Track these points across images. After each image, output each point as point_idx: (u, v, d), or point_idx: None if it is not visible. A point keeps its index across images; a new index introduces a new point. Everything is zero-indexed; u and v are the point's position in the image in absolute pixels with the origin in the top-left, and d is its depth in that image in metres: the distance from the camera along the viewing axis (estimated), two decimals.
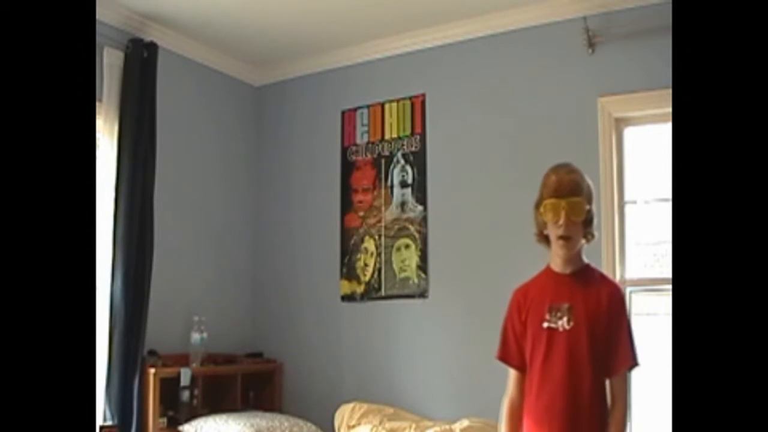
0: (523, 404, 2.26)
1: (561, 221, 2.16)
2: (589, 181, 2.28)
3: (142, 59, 3.86)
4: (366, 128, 4.37)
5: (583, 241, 2.24)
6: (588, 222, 2.22)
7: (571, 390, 2.13)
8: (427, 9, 3.88)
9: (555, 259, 2.26)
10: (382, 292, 4.17)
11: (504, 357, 2.33)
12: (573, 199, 2.16)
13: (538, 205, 2.24)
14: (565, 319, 2.16)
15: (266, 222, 4.70)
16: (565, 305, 2.18)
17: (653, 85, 3.35)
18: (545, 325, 2.19)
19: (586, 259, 2.31)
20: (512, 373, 2.32)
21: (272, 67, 4.69)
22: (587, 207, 2.20)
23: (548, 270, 2.30)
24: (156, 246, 3.84)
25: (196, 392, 3.81)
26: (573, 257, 2.23)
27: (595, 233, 2.28)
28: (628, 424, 2.20)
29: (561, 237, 2.18)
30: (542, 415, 2.17)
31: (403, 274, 4.12)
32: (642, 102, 3.49)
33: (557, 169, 2.24)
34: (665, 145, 3.41)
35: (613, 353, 2.15)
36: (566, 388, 2.13)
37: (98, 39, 3.37)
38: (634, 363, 2.18)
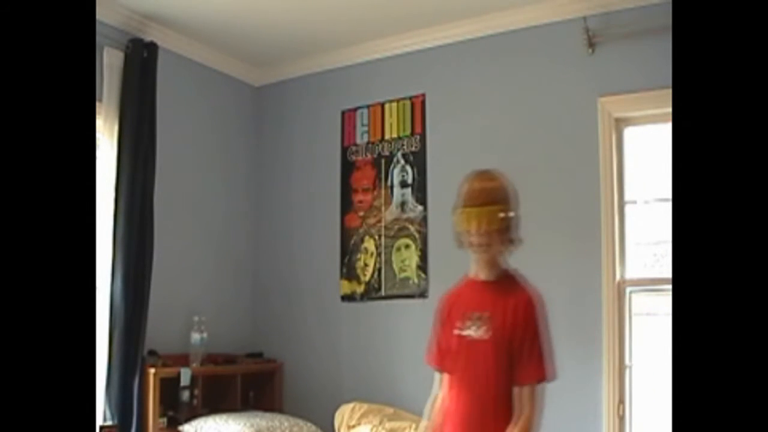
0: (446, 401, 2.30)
1: (472, 230, 2.16)
2: (512, 187, 2.26)
3: (142, 59, 3.86)
4: (366, 128, 4.37)
5: (504, 248, 2.23)
6: (507, 229, 2.20)
7: (481, 398, 2.15)
8: (427, 9, 3.88)
9: (473, 265, 2.28)
10: (382, 292, 4.17)
11: (429, 361, 2.37)
12: (484, 208, 2.15)
13: (454, 212, 2.26)
14: (475, 326, 2.18)
15: (266, 222, 4.70)
16: (479, 314, 2.19)
17: (653, 85, 3.35)
18: (458, 332, 2.22)
19: (508, 266, 2.29)
20: (437, 375, 2.36)
21: (272, 67, 4.69)
22: (503, 215, 2.17)
23: (468, 277, 2.31)
24: (156, 246, 3.84)
25: (196, 392, 3.81)
26: (490, 264, 2.23)
27: (519, 239, 2.25)
28: None
29: (473, 245, 2.19)
30: (458, 421, 2.20)
31: (403, 274, 4.12)
32: (642, 102, 3.49)
33: (472, 177, 2.25)
34: (665, 145, 3.40)
35: (523, 364, 2.13)
36: (476, 395, 2.15)
37: (98, 39, 3.37)
38: (542, 377, 2.14)
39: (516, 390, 2.12)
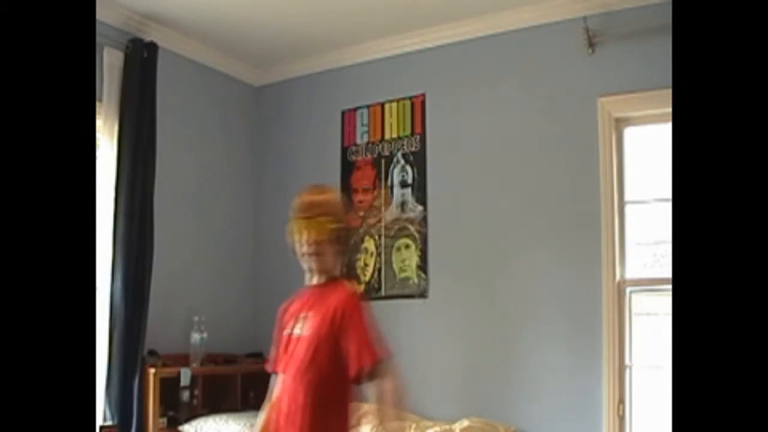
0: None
1: (302, 239, 2.31)
2: (343, 201, 2.41)
3: (142, 59, 3.86)
4: (366, 128, 4.37)
5: (335, 258, 2.36)
6: (336, 240, 2.33)
7: (304, 392, 2.23)
8: (427, 9, 3.88)
9: (306, 274, 2.41)
10: (382, 292, 4.17)
11: (267, 368, 2.48)
12: (313, 219, 2.30)
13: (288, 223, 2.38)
14: (300, 325, 2.31)
15: (266, 222, 4.69)
16: (304, 314, 2.33)
17: (653, 85, 3.35)
18: (287, 332, 2.36)
19: (338, 273, 2.39)
20: (272, 377, 2.47)
21: (272, 67, 4.69)
22: (333, 226, 2.31)
23: (306, 285, 2.45)
24: (156, 246, 3.84)
25: (196, 392, 3.81)
26: (321, 272, 2.36)
27: (349, 249, 2.42)
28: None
29: (304, 254, 2.34)
30: (283, 414, 2.29)
31: (403, 274, 4.12)
32: (642, 102, 3.49)
33: (304, 190, 2.41)
34: (665, 145, 3.40)
35: (356, 353, 2.19)
36: (300, 389, 2.24)
37: (98, 39, 3.37)
38: (376, 357, 2.19)
39: (373, 386, 2.21)
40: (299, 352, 2.27)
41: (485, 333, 3.81)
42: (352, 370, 2.18)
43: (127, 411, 3.58)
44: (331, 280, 2.36)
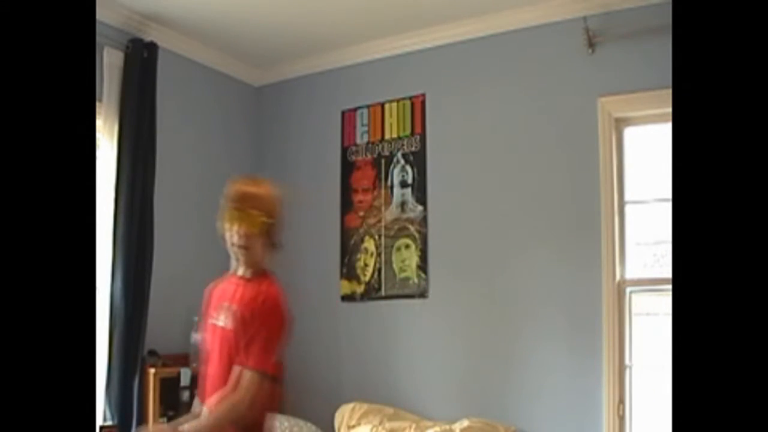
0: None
1: (233, 230, 2.33)
2: (277, 195, 2.41)
3: (142, 59, 3.86)
4: (366, 128, 4.37)
5: (265, 251, 2.39)
6: (267, 234, 2.36)
7: (222, 381, 2.29)
8: (427, 9, 3.88)
9: (233, 262, 2.44)
10: (382, 292, 4.17)
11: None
12: (245, 212, 2.31)
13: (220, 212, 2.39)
14: (223, 316, 2.35)
15: None
16: (228, 305, 2.36)
17: (653, 85, 3.35)
18: (211, 321, 2.41)
19: (267, 267, 2.43)
20: None
21: (272, 67, 4.69)
22: (264, 220, 2.33)
23: (231, 273, 2.48)
24: (156, 246, 3.84)
25: (195, 392, 3.81)
26: (248, 264, 2.39)
27: (280, 243, 2.43)
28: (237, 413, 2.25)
29: (233, 245, 2.35)
30: (203, 395, 2.40)
31: (403, 274, 4.12)
32: (642, 102, 3.49)
33: (240, 180, 2.42)
34: (665, 145, 3.40)
35: (245, 348, 2.26)
36: (216, 376, 2.32)
37: (98, 39, 3.37)
38: (255, 366, 2.25)
39: (237, 369, 2.25)
40: (222, 344, 2.32)
41: (485, 333, 3.82)
42: (238, 360, 2.25)
43: (127, 411, 3.58)
44: (258, 274, 2.39)
